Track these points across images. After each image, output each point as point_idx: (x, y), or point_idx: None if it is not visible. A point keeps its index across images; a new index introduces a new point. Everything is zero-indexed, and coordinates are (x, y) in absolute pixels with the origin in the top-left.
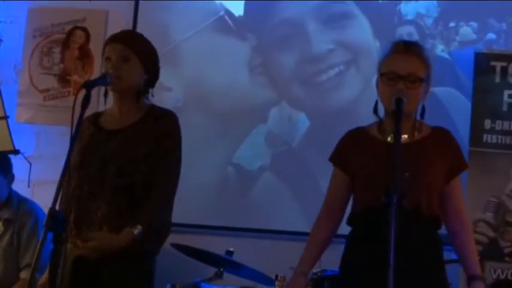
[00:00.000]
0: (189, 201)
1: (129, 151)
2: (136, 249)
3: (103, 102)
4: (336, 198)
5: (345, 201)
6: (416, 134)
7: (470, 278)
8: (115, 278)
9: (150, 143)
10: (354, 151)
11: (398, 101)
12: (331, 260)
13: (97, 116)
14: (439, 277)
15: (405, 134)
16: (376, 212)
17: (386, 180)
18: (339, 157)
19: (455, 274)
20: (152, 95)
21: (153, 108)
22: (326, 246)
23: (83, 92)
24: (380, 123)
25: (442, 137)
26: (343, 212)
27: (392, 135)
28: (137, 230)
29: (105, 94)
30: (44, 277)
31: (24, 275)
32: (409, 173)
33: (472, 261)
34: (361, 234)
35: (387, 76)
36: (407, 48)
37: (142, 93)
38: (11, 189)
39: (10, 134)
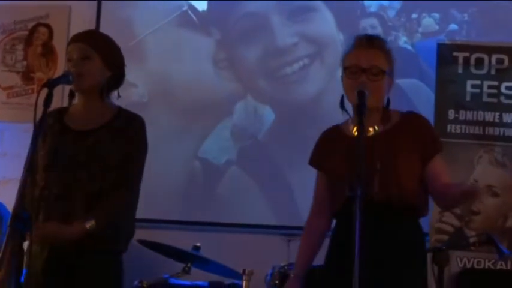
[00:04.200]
0: (155, 197)
1: (100, 157)
2: (103, 248)
3: (67, 100)
4: (322, 198)
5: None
6: (386, 123)
7: (462, 190)
8: (84, 276)
9: (120, 149)
10: (329, 151)
11: (361, 94)
12: None
13: (61, 112)
14: (414, 270)
15: (372, 125)
16: (347, 207)
17: (353, 175)
18: (315, 159)
19: None
20: (119, 95)
21: (121, 111)
22: (320, 245)
23: (45, 91)
24: (353, 117)
25: (413, 122)
26: None
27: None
28: (89, 224)
29: (70, 95)
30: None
31: None
32: (379, 164)
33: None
34: (338, 230)
35: (350, 70)
36: (370, 42)
37: (106, 91)
38: None
39: None
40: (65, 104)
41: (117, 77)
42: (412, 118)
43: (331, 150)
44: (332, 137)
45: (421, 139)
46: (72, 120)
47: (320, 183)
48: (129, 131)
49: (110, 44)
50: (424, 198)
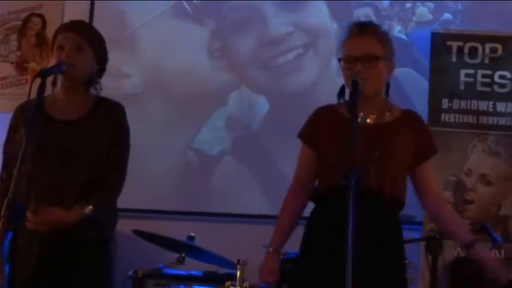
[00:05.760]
0: (149, 187)
1: (89, 145)
2: (93, 236)
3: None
4: (306, 174)
5: (314, 178)
6: (387, 114)
7: (469, 245)
8: (75, 266)
9: (107, 135)
10: (324, 128)
11: (355, 83)
12: (295, 242)
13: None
14: (398, 258)
15: (374, 114)
16: (340, 192)
17: (349, 162)
18: (307, 133)
19: (416, 253)
20: (101, 88)
21: (101, 99)
22: (296, 223)
23: (38, 81)
24: (348, 103)
25: (412, 120)
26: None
27: (361, 114)
28: (88, 210)
29: (54, 83)
30: None
31: None
32: (377, 153)
33: (464, 231)
34: (325, 214)
35: (345, 60)
36: (362, 30)
37: (92, 83)
38: None
39: None
40: None
41: (101, 70)
42: (413, 116)
43: (327, 130)
44: (329, 117)
45: (419, 138)
46: (54, 110)
47: (305, 158)
48: (113, 117)
49: (100, 37)
50: (405, 194)
